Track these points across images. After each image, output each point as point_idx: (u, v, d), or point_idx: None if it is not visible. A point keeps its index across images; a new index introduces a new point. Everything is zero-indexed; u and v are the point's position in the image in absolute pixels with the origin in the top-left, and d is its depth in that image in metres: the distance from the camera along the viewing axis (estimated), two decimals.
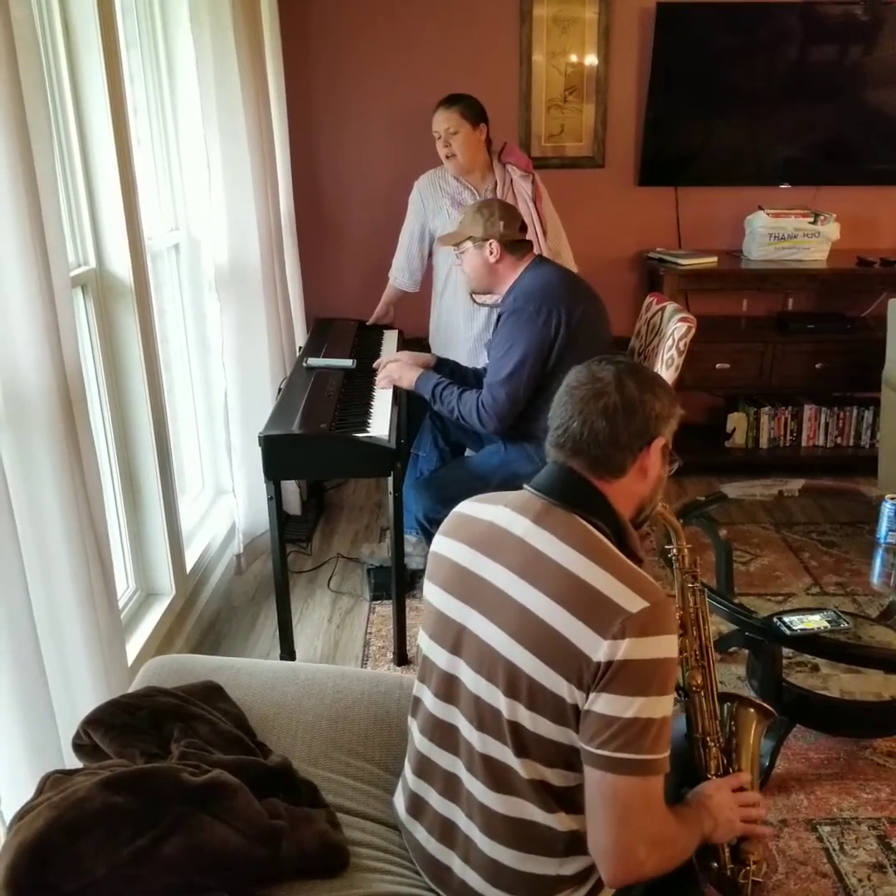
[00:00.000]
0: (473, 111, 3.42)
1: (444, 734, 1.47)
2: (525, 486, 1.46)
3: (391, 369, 3.04)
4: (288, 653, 2.80)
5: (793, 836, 2.20)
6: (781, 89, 4.19)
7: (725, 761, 1.59)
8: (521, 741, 1.34)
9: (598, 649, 1.25)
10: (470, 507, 1.54)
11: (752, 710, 1.64)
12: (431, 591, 1.51)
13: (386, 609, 3.19)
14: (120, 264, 2.43)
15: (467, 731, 1.42)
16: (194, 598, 3.01)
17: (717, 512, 3.05)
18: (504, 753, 1.36)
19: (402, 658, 2.88)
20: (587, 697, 1.27)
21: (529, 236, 3.46)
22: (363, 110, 4.26)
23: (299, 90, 4.11)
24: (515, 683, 1.32)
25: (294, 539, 3.59)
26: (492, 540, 1.43)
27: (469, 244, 2.91)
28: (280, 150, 3.70)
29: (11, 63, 1.59)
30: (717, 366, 4.14)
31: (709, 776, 1.56)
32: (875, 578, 2.78)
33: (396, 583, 2.79)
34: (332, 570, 3.49)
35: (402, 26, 4.15)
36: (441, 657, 1.46)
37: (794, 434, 4.42)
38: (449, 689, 1.45)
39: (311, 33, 4.14)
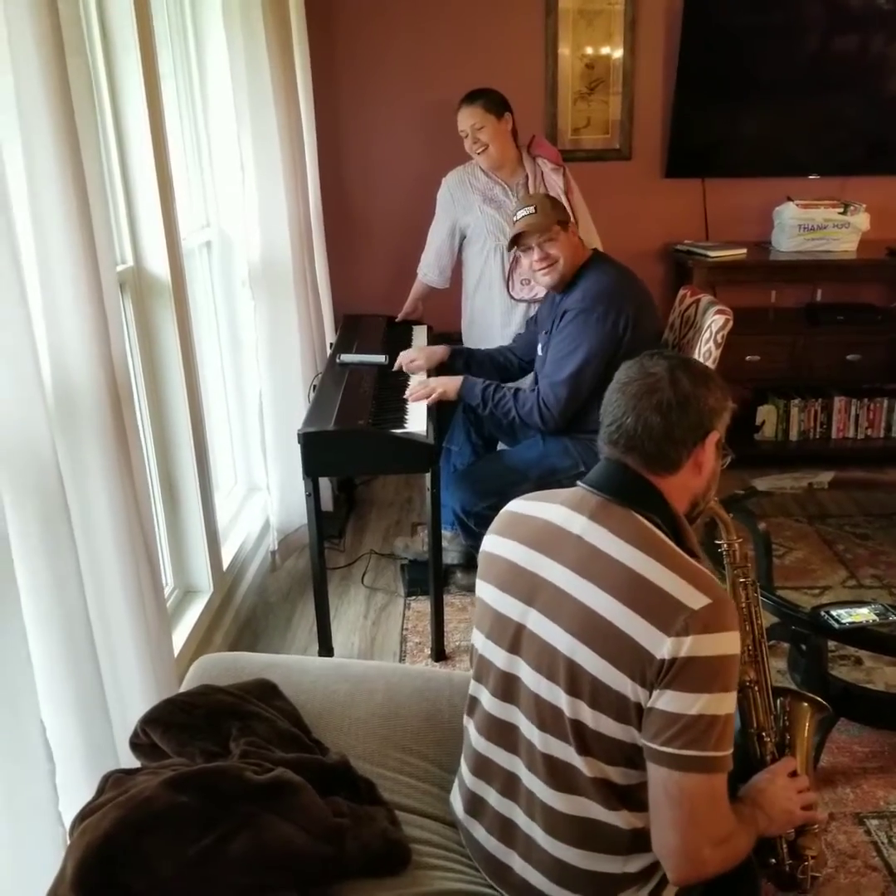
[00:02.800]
0: (495, 103, 3.40)
1: (503, 733, 1.47)
2: (579, 483, 1.46)
3: (429, 384, 2.92)
4: (326, 650, 2.80)
5: (841, 830, 2.19)
6: (809, 79, 4.15)
7: (779, 755, 1.58)
8: (584, 739, 1.33)
9: (662, 646, 1.25)
10: (522, 506, 1.53)
11: (805, 704, 1.63)
12: (485, 591, 1.50)
13: (421, 605, 3.19)
14: (157, 262, 2.43)
15: (528, 730, 1.41)
16: (231, 595, 3.02)
17: (751, 505, 3.04)
18: (566, 752, 1.35)
19: (439, 654, 2.88)
20: (650, 695, 1.27)
21: None
22: (388, 105, 4.25)
23: (325, 86, 4.10)
24: (577, 682, 1.32)
25: (327, 535, 3.58)
26: (549, 538, 1.42)
27: (559, 229, 2.86)
28: (308, 147, 3.70)
29: (61, 65, 1.59)
30: (747, 358, 4.12)
31: None
32: None
33: (434, 578, 2.79)
34: (366, 566, 3.49)
35: (427, 21, 4.14)
36: (499, 657, 1.45)
37: (824, 426, 4.39)
38: (508, 688, 1.44)
39: (336, 29, 4.14)
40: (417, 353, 3.21)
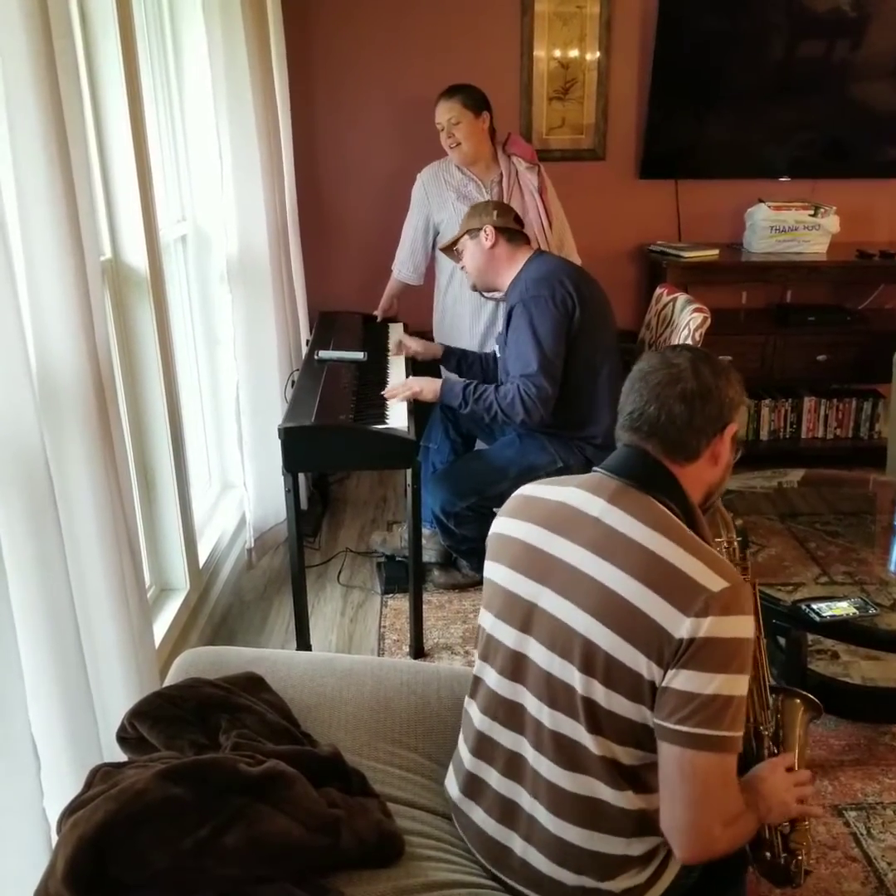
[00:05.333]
0: (475, 100, 3.41)
1: (508, 713, 1.47)
2: (596, 468, 1.47)
3: (408, 383, 2.91)
4: (305, 647, 2.78)
5: (820, 822, 2.21)
6: (782, 83, 4.20)
7: (776, 751, 1.59)
8: (595, 718, 1.34)
9: (681, 626, 1.26)
10: (535, 490, 1.54)
11: (798, 701, 1.64)
12: (496, 571, 1.51)
13: (398, 603, 3.18)
14: (136, 255, 2.41)
15: (536, 709, 1.42)
16: (206, 593, 2.99)
17: (723, 503, 3.06)
18: (576, 730, 1.36)
19: (418, 651, 2.87)
20: (664, 674, 1.28)
21: (535, 228, 3.49)
22: (364, 102, 4.24)
23: (301, 81, 4.08)
24: (592, 660, 1.33)
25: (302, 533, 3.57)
26: (564, 519, 1.43)
27: (466, 238, 2.93)
28: (284, 143, 3.67)
29: (47, 43, 1.56)
30: (719, 358, 4.14)
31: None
32: (892, 565, 2.80)
33: (414, 575, 2.78)
34: (342, 564, 3.47)
35: (404, 18, 4.13)
36: (509, 636, 1.46)
37: (794, 426, 4.44)
38: (516, 667, 1.45)
39: (312, 25, 4.12)
40: (413, 341, 3.29)
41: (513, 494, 1.58)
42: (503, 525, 1.54)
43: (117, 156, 2.30)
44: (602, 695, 1.33)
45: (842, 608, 2.19)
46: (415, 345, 3.26)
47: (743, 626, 1.29)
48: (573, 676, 1.35)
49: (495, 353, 3.31)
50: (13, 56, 1.49)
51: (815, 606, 2.19)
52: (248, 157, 3.04)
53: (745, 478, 3.70)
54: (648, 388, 1.43)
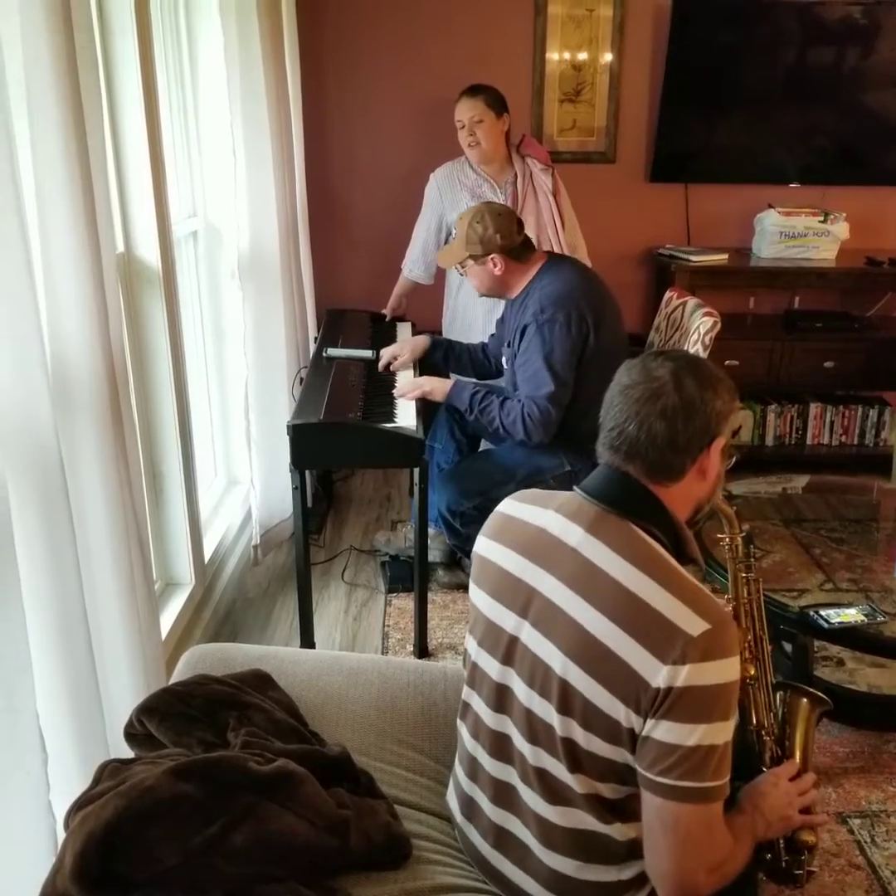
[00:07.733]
0: (497, 101, 3.42)
1: (496, 744, 1.44)
2: (576, 488, 1.41)
3: (419, 382, 2.93)
4: (309, 644, 2.78)
5: (824, 829, 2.21)
6: (793, 89, 4.19)
7: (780, 752, 1.58)
8: (575, 757, 1.30)
9: (658, 674, 1.21)
10: (515, 509, 1.48)
11: (804, 698, 1.63)
12: (479, 597, 1.48)
13: (401, 601, 3.18)
14: (148, 250, 2.41)
15: (520, 742, 1.39)
16: (211, 588, 2.98)
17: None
18: (557, 768, 1.33)
19: (422, 651, 2.87)
20: (644, 723, 1.23)
21: (548, 231, 3.48)
22: (375, 101, 4.24)
23: (312, 79, 4.08)
24: (569, 702, 1.29)
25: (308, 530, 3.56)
26: (543, 548, 1.38)
27: (470, 262, 2.87)
28: (296, 139, 3.67)
29: (68, 46, 1.56)
30: (726, 363, 4.14)
31: (764, 768, 1.55)
32: None
33: (419, 575, 2.77)
34: (346, 562, 3.47)
35: (416, 18, 4.13)
36: (492, 667, 1.43)
37: (800, 432, 4.44)
38: (501, 699, 1.42)
39: (325, 23, 4.11)
40: (400, 348, 3.20)
41: (495, 510, 1.53)
42: (484, 546, 1.49)
43: (132, 151, 2.29)
44: (581, 736, 1.29)
45: (850, 615, 2.18)
46: (405, 356, 3.16)
47: (725, 671, 1.23)
48: (552, 716, 1.31)
49: (483, 344, 3.30)
50: (35, 53, 1.49)
51: (823, 613, 2.18)
52: (261, 154, 3.03)
53: (750, 483, 3.70)
54: (628, 404, 1.33)
